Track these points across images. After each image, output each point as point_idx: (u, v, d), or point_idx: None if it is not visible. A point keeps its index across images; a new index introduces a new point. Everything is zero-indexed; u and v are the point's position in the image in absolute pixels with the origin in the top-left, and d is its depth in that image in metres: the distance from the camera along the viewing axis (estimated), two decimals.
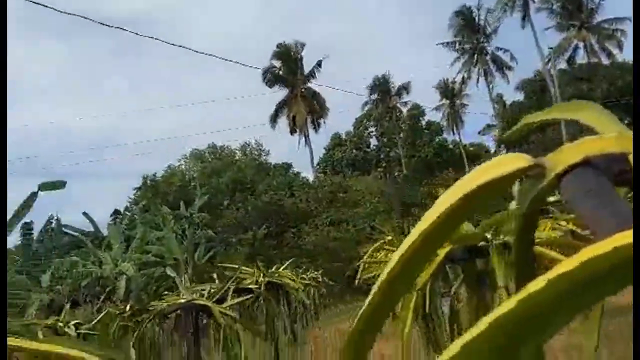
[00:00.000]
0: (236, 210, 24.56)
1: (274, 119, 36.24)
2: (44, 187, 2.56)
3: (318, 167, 43.25)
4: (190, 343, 5.05)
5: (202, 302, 5.08)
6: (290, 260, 10.38)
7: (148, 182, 34.35)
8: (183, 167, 41.19)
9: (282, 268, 9.58)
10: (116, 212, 29.51)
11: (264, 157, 43.25)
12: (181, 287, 5.43)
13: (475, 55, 43.31)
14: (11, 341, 2.20)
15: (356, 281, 9.19)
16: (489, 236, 2.93)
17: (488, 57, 43.28)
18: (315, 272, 14.73)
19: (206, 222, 24.68)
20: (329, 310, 15.84)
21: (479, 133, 49.17)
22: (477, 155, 42.18)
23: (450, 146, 40.32)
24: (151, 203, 26.17)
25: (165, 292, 12.11)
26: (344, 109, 70.95)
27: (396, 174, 45.94)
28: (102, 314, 8.20)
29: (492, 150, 45.32)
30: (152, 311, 5.27)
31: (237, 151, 43.90)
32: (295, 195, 25.90)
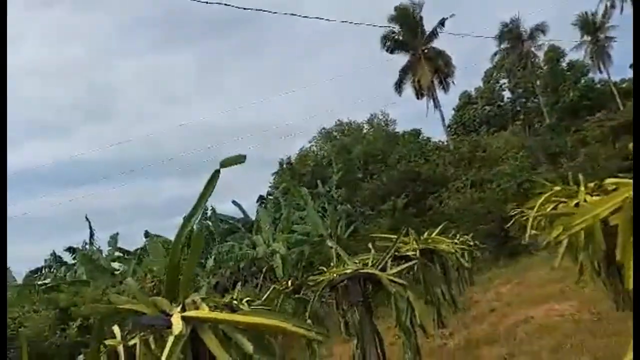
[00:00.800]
0: (371, 182, 24.57)
1: (399, 85, 35.38)
2: (226, 162, 2.58)
3: (449, 129, 41.54)
4: (362, 311, 5.04)
5: (369, 271, 5.03)
6: (441, 226, 10.00)
7: (284, 165, 35.82)
8: (314, 147, 42.26)
9: (434, 234, 9.29)
10: (261, 198, 31.26)
11: (392, 127, 42.73)
12: (345, 258, 5.42)
13: None
14: (219, 315, 2.19)
15: (526, 237, 8.56)
16: None
17: None
18: (465, 236, 14.16)
19: (344, 198, 25.10)
20: (482, 275, 15.18)
21: (630, 67, 43.41)
22: (631, 91, 37.32)
23: (599, 86, 36.08)
24: (290, 185, 27.26)
25: (320, 267, 12.50)
26: (471, 65, 67.15)
27: (536, 125, 42.49)
28: (270, 291, 8.68)
29: None
30: (321, 283, 5.35)
31: (364, 124, 43.93)
32: (430, 161, 25.16)
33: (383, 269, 5.46)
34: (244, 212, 25.62)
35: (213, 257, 20.65)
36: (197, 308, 2.50)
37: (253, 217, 26.81)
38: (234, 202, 24.87)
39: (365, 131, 42.29)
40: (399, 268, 5.69)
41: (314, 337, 2.13)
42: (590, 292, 7.74)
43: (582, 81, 34.71)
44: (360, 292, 5.15)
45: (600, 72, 40.58)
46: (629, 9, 38.62)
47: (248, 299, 7.91)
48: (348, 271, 5.20)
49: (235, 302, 6.80)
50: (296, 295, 8.58)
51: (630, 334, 5.29)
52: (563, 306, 7.30)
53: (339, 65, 70.26)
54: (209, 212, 23.37)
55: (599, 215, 3.14)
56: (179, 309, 2.36)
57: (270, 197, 29.91)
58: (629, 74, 44.75)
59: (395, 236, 8.22)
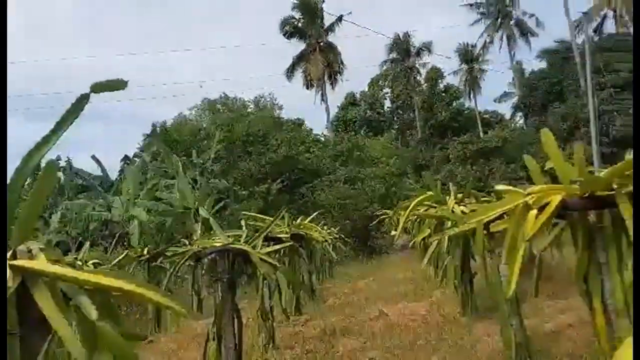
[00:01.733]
0: (249, 163, 24.13)
1: (290, 71, 35.26)
2: (100, 86, 2.03)
3: (330, 125, 42.50)
4: (226, 288, 4.70)
5: (241, 247, 4.70)
6: (315, 213, 9.98)
7: (158, 128, 33.85)
8: (194, 116, 40.59)
9: (307, 220, 9.22)
10: (126, 158, 29.17)
11: (277, 112, 42.54)
12: (217, 230, 5.02)
13: (499, 20, 41.80)
14: (61, 270, 1.71)
15: (395, 237, 8.80)
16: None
17: (512, 22, 41.78)
18: (332, 229, 14.41)
19: (218, 173, 24.36)
20: (342, 268, 15.58)
21: (495, 100, 48.18)
22: (491, 123, 41.39)
23: (467, 112, 39.43)
24: (161, 150, 25.74)
25: (182, 239, 11.82)
26: (361, 68, 69.51)
27: (409, 137, 45.24)
28: (122, 256, 7.93)
29: (508, 118, 44.44)
30: (185, 253, 4.90)
31: (249, 103, 43.19)
32: (310, 151, 25.43)
33: (254, 248, 5.17)
34: (103, 170, 23.60)
35: (59, 213, 18.67)
36: (32, 258, 1.98)
37: (113, 177, 24.87)
38: (93, 157, 22.72)
39: (250, 110, 41.59)
40: (270, 248, 5.44)
41: (182, 311, 1.76)
42: (440, 295, 8.21)
43: (454, 104, 37.64)
44: (227, 268, 4.80)
45: (470, 100, 44.46)
46: (504, 47, 42.73)
47: (95, 261, 7.11)
48: (218, 244, 4.81)
49: (79, 262, 6.02)
50: (154, 264, 7.96)
51: (474, 338, 5.59)
52: (416, 306, 7.61)
53: (239, 37, 68.40)
54: (63, 163, 21.17)
55: (483, 220, 3.14)
56: (8, 254, 1.82)
57: (137, 160, 28.02)
58: (492, 106, 49.57)
59: (268, 217, 8.00)
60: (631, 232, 2.24)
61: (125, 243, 15.94)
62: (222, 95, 42.58)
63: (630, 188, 2.40)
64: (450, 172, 23.77)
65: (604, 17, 36.79)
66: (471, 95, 43.78)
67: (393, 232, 16.53)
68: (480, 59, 44.07)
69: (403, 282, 10.28)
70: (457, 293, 6.65)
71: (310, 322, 8.00)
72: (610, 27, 37.33)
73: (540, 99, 34.58)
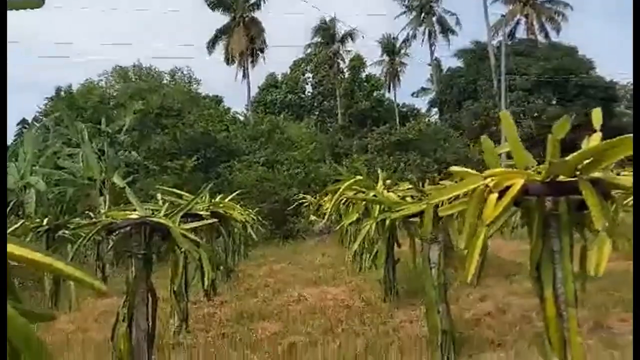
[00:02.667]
0: (163, 136, 22.94)
1: (212, 45, 33.92)
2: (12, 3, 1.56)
3: (250, 105, 41.66)
4: (140, 265, 4.25)
5: (161, 221, 4.25)
6: (235, 193, 9.57)
7: (62, 92, 31.28)
8: (103, 83, 38.01)
9: (227, 199, 8.79)
10: (24, 122, 26.68)
11: (195, 86, 40.97)
12: (135, 202, 4.53)
13: (423, 14, 43.01)
14: None
15: (321, 221, 8.61)
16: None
17: (434, 19, 43.17)
18: (250, 210, 14.02)
19: (128, 145, 22.94)
20: (257, 250, 15.25)
21: (412, 95, 49.79)
22: (408, 116, 42.66)
23: (387, 103, 40.33)
24: (65, 116, 23.76)
25: (86, 211, 10.89)
26: (284, 50, 68.73)
27: (328, 124, 45.54)
28: (17, 225, 7.10)
29: (424, 111, 46.04)
30: (95, 225, 4.37)
31: (165, 75, 41.17)
32: (229, 130, 24.65)
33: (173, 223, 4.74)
34: None
35: None
36: None
37: (9, 142, 22.61)
38: None
39: (165, 82, 39.66)
40: (191, 225, 5.03)
41: (100, 287, 1.40)
42: (359, 281, 8.19)
43: (375, 94, 38.35)
44: (143, 244, 4.34)
45: (389, 91, 45.53)
46: (425, 42, 44.11)
47: None
48: (134, 216, 4.34)
49: None
50: (57, 235, 7.19)
51: (396, 324, 5.56)
52: (335, 291, 7.51)
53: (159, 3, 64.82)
54: None
55: (434, 203, 3.01)
56: None
57: (37, 124, 25.69)
58: (409, 100, 51.17)
59: (185, 194, 7.50)
60: (595, 221, 2.16)
61: (20, 213, 14.52)
62: (136, 63, 40.25)
63: (593, 175, 2.34)
64: (368, 162, 24.11)
65: (517, 22, 39.04)
66: (391, 87, 44.86)
67: (312, 217, 16.50)
68: (401, 52, 45.17)
69: (321, 267, 10.19)
70: (382, 279, 6.61)
71: (226, 304, 7.65)
72: (521, 33, 39.73)
73: (456, 96, 36.15)
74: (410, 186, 6.19)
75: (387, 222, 4.88)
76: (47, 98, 31.73)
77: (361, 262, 8.90)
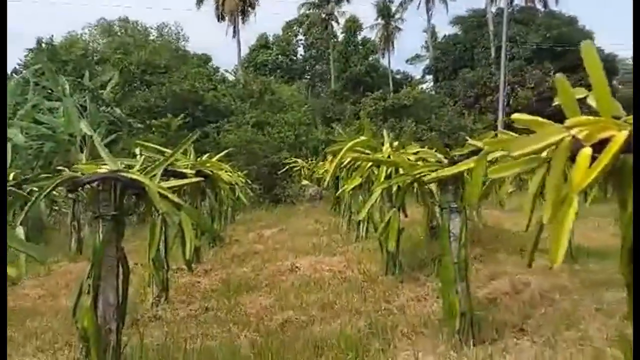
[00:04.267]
0: (149, 93, 21.89)
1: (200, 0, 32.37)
2: None
3: (240, 66, 40.30)
4: (110, 228, 3.57)
5: (133, 176, 3.55)
6: (225, 151, 8.85)
7: (44, 45, 29.79)
8: (87, 36, 36.39)
9: (215, 158, 8.06)
10: None
11: (183, 44, 39.44)
12: (105, 155, 3.81)
13: None
14: None
15: (324, 184, 7.96)
16: None
17: None
18: (238, 172, 13.32)
19: (111, 100, 21.88)
20: (246, 214, 14.60)
21: (406, 61, 48.63)
22: (402, 83, 41.68)
23: (381, 69, 39.26)
24: (46, 69, 22.54)
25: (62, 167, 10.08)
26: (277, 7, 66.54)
27: (319, 88, 44.47)
28: None
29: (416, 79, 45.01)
30: (55, 178, 3.65)
31: (152, 30, 39.54)
32: (218, 89, 23.64)
33: (151, 180, 4.05)
34: None
35: None
36: None
37: None
38: None
39: (152, 38, 38.09)
40: (173, 183, 4.34)
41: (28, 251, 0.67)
42: (356, 250, 7.60)
43: (370, 59, 37.25)
44: (112, 203, 3.65)
45: (383, 56, 44.32)
46: (422, 7, 42.78)
47: None
48: (102, 170, 3.63)
49: None
50: (26, 189, 6.43)
51: (402, 302, 4.98)
52: (331, 261, 6.91)
53: None
54: None
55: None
56: None
57: (16, 76, 24.39)
58: (403, 67, 50.09)
59: (168, 150, 6.77)
60: None
61: None
62: (122, 17, 38.55)
63: None
64: (360, 127, 23.36)
65: None
66: (385, 53, 43.67)
67: (304, 182, 15.86)
68: (397, 16, 43.85)
69: (314, 234, 9.59)
70: (381, 250, 6.02)
71: (211, 273, 7.04)
72: (520, 0, 38.55)
73: (452, 64, 35.24)
74: (418, 149, 5.52)
75: (401, 187, 4.23)
76: (27, 49, 30.22)
77: (358, 230, 8.33)
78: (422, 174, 3.79)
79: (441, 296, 4.02)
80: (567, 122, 1.86)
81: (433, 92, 35.04)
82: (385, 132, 6.20)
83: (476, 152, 3.63)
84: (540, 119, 2.00)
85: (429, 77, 41.99)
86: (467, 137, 3.62)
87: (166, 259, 5.64)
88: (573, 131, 1.79)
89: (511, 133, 3.28)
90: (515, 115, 2.02)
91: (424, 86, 41.62)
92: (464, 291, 3.89)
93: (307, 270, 6.55)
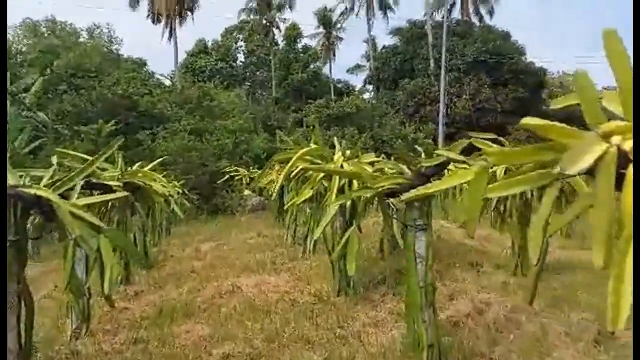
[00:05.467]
0: (78, 98, 20.43)
1: (135, 1, 30.88)
2: None
3: (178, 71, 38.90)
4: (12, 256, 2.87)
5: (38, 193, 2.88)
6: (159, 160, 8.10)
7: None
8: (11, 37, 33.91)
9: (147, 168, 7.30)
10: None
11: (116, 47, 37.58)
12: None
13: None
14: None
15: (273, 194, 7.38)
16: None
17: None
18: (175, 182, 12.49)
19: (34, 104, 20.27)
20: (181, 227, 13.70)
21: (347, 71, 48.86)
22: (343, 92, 41.74)
23: (323, 77, 39.10)
24: None
25: None
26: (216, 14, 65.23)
27: (260, 95, 43.77)
28: None
29: (357, 88, 45.28)
30: None
31: (82, 31, 37.45)
32: (153, 94, 22.46)
33: (65, 196, 3.38)
34: None
35: None
36: None
37: None
38: None
39: (83, 40, 36.05)
40: (93, 199, 3.67)
41: None
42: (304, 267, 7.09)
43: (312, 67, 37.01)
44: (13, 225, 2.95)
45: (324, 65, 44.24)
46: (363, 15, 43.15)
47: None
48: None
49: None
50: None
51: (358, 328, 4.51)
52: (276, 280, 6.35)
53: None
54: None
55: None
56: None
57: None
58: (344, 77, 50.31)
59: (90, 158, 5.99)
60: None
61: None
62: (49, 17, 36.28)
63: None
64: (303, 136, 22.97)
65: (453, 4, 38.87)
66: (326, 61, 43.63)
67: (246, 192, 15.16)
68: (338, 26, 43.97)
69: (257, 248, 8.97)
70: (332, 268, 5.54)
71: (142, 297, 6.29)
72: (456, 14, 39.68)
73: (392, 74, 35.63)
74: (374, 158, 5.11)
75: (356, 202, 3.77)
76: None
77: (305, 244, 7.82)
78: (385, 187, 3.35)
79: (406, 324, 3.58)
80: (602, 129, 1.45)
81: (375, 102, 35.21)
82: (336, 141, 5.76)
83: (446, 163, 3.23)
84: (557, 123, 1.58)
85: (370, 86, 42.34)
86: (416, 146, 3.23)
87: (86, 284, 4.89)
88: (614, 140, 1.37)
89: (487, 142, 2.90)
90: (525, 120, 1.58)
91: (366, 96, 41.98)
92: (431, 319, 3.47)
93: (250, 291, 5.96)
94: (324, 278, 6.09)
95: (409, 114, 30.16)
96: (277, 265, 7.28)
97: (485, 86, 30.28)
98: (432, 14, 36.48)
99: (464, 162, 3.02)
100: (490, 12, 39.65)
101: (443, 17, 38.55)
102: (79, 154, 6.50)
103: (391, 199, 3.54)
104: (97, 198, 3.56)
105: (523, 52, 34.32)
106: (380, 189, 3.37)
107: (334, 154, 5.39)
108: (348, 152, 5.41)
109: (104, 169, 5.60)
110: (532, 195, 5.14)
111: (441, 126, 23.36)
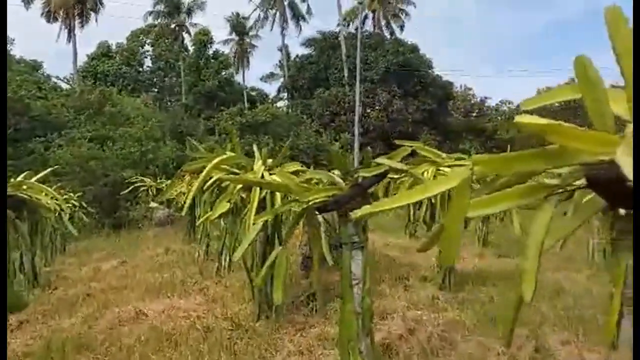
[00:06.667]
0: None
1: None
2: None
3: (77, 75, 36.28)
4: None
5: None
6: (47, 170, 7.10)
7: None
8: None
9: (35, 178, 6.32)
10: None
11: (8, 47, 34.24)
12: None
13: None
14: None
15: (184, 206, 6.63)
16: None
17: (286, 3, 42.12)
18: (71, 194, 11.26)
19: None
20: (78, 242, 12.37)
21: (260, 79, 48.42)
22: (256, 100, 41.17)
23: (236, 84, 38.25)
24: None
25: None
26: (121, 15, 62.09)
27: (168, 101, 42.01)
28: None
29: (271, 97, 44.89)
30: None
31: None
32: (49, 98, 20.51)
33: None
34: None
35: None
36: None
37: None
38: None
39: None
40: None
41: None
42: (217, 287, 6.47)
43: (224, 73, 36.04)
44: None
45: (237, 72, 43.42)
46: (276, 26, 42.93)
47: None
48: None
49: None
50: None
51: (280, 354, 4.03)
52: (187, 304, 5.70)
53: None
54: None
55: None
56: None
57: None
58: (259, 84, 49.72)
59: None
60: None
61: None
62: None
63: None
64: (218, 143, 22.12)
65: (365, 17, 39.77)
66: (239, 69, 42.83)
67: (152, 204, 14.09)
68: (251, 33, 43.35)
69: (165, 266, 8.18)
70: (251, 287, 5.02)
71: (27, 328, 5.37)
72: (369, 27, 40.63)
73: (307, 83, 35.62)
74: (299, 168, 4.69)
75: (291, 216, 3.30)
76: None
77: (219, 261, 7.20)
78: (317, 200, 2.92)
79: (340, 356, 3.15)
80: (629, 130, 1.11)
81: (290, 110, 34.97)
82: (255, 149, 5.27)
83: (385, 173, 2.86)
84: (563, 122, 1.23)
85: (284, 94, 42.12)
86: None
87: None
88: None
89: (435, 150, 2.58)
90: (525, 118, 1.21)
91: (280, 104, 41.68)
92: (368, 349, 3.08)
93: (157, 318, 5.26)
94: (241, 299, 5.54)
95: (325, 123, 30.20)
96: (188, 286, 6.59)
97: (397, 97, 31.10)
98: (346, 25, 37.04)
99: (405, 172, 2.66)
100: (401, 27, 41.12)
101: (356, 29, 39.44)
102: None
103: (323, 214, 3.11)
104: None
105: (431, 66, 35.81)
106: (310, 203, 2.93)
107: (253, 162, 4.90)
108: (269, 160, 4.93)
109: None
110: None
111: (357, 136, 23.54)
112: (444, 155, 2.41)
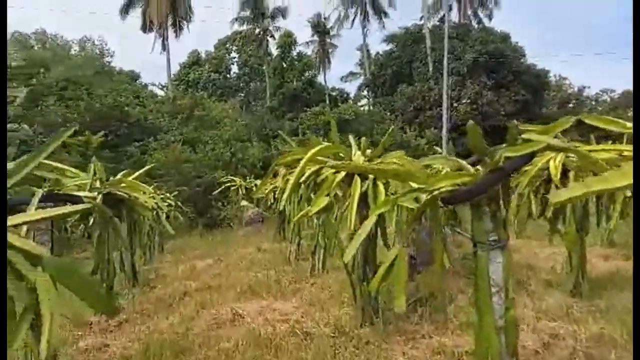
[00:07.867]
0: (66, 109, 19.46)
1: (125, 10, 29.99)
2: None
3: (170, 84, 38.06)
4: None
5: None
6: (146, 168, 7.15)
7: None
8: None
9: (133, 177, 6.33)
10: None
11: (108, 59, 36.75)
12: None
13: None
14: None
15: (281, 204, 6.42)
16: None
17: (367, 0, 41.51)
18: (168, 194, 11.53)
19: (19, 115, 19.27)
20: (174, 241, 12.65)
21: (341, 79, 48.09)
22: (338, 100, 40.88)
23: (318, 84, 38.26)
24: None
25: None
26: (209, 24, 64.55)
27: (253, 105, 42.95)
28: None
29: (352, 96, 44.43)
30: None
31: (74, 44, 36.62)
32: (145, 106, 21.51)
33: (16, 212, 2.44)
34: None
35: None
36: None
37: None
38: None
39: (73, 52, 35.20)
40: (21, 218, 2.72)
41: None
42: (315, 288, 6.12)
43: (307, 74, 36.15)
44: None
45: (318, 73, 43.44)
46: (358, 24, 42.48)
47: None
48: None
49: None
50: None
51: None
52: (284, 305, 5.38)
53: None
54: None
55: None
56: None
57: None
58: (338, 84, 49.49)
59: (72, 169, 5.01)
60: None
61: None
62: (39, 29, 35.44)
63: None
64: (301, 143, 22.05)
65: (450, 7, 38.13)
66: (321, 69, 42.84)
67: (243, 202, 14.19)
68: (332, 33, 43.20)
69: (258, 265, 8.00)
70: (352, 291, 4.59)
71: (127, 328, 5.32)
72: (454, 18, 38.94)
73: (389, 79, 34.82)
74: (403, 158, 4.19)
75: (413, 210, 2.84)
76: None
77: (313, 260, 6.86)
78: (444, 188, 2.41)
79: None
80: None
81: (372, 108, 34.33)
82: (352, 139, 4.85)
83: (532, 155, 2.29)
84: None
85: (366, 92, 41.53)
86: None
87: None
88: None
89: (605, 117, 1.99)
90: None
91: (361, 102, 41.13)
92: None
93: (254, 320, 4.99)
94: (341, 303, 5.13)
95: (408, 120, 29.26)
96: (283, 286, 6.30)
97: (487, 89, 29.46)
98: (428, 17, 35.81)
99: (566, 149, 2.09)
100: (489, 16, 39.05)
101: (441, 21, 37.96)
102: (53, 163, 5.56)
103: (449, 206, 2.60)
104: (42, 214, 2.59)
105: (523, 54, 33.61)
106: (435, 192, 2.43)
107: (351, 153, 4.47)
108: (368, 151, 4.48)
109: (70, 176, 4.64)
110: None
111: (445, 131, 22.45)
112: (628, 124, 1.85)
